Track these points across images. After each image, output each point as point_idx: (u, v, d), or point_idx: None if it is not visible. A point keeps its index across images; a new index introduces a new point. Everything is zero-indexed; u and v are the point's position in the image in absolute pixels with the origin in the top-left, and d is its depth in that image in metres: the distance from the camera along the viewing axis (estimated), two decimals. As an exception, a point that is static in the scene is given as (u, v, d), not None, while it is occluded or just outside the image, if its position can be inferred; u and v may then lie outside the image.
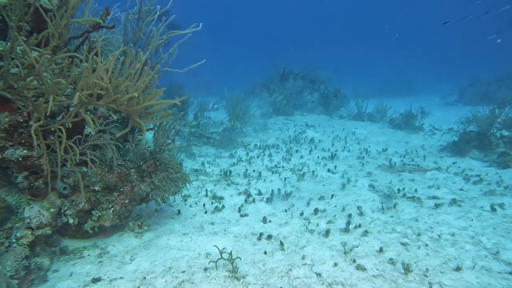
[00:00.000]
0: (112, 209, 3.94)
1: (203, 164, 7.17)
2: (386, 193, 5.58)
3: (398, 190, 5.71)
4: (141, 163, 4.27)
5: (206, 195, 5.56)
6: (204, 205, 5.18)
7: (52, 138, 3.18)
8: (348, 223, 4.45)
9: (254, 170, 6.91)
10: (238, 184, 6.14)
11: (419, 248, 3.87)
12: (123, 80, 2.98)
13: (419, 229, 4.34)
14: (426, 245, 3.93)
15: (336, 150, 8.61)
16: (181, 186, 4.37)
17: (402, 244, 3.97)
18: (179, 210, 4.91)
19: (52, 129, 3.17)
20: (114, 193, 4.01)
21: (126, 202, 4.06)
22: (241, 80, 20.37)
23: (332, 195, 5.54)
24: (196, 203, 5.27)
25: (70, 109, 3.19)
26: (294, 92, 15.26)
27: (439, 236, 4.15)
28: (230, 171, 6.66)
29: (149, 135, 4.57)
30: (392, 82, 24.43)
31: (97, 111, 4.04)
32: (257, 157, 7.96)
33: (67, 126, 3.47)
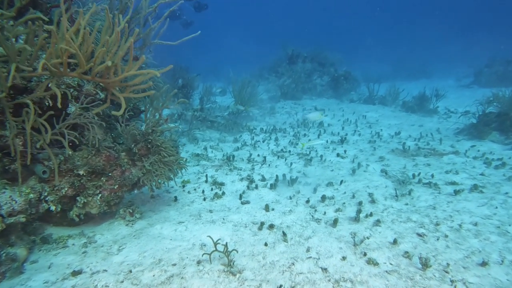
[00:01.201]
0: (100, 195, 3.58)
1: (205, 148, 6.77)
2: (399, 179, 5.08)
3: (413, 175, 5.20)
4: (132, 145, 3.88)
5: (206, 181, 5.17)
6: (203, 191, 4.80)
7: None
8: (359, 211, 4.01)
9: (258, 155, 6.48)
10: (241, 170, 5.73)
11: (438, 239, 3.41)
12: (100, 48, 2.54)
13: (437, 218, 3.86)
14: (446, 236, 3.46)
15: (346, 134, 8.08)
16: (176, 170, 3.97)
17: (419, 235, 3.52)
18: (175, 197, 4.54)
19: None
20: (102, 178, 3.64)
21: (116, 187, 3.69)
22: (250, 63, 19.72)
23: (341, 181, 5.08)
24: (195, 189, 4.89)
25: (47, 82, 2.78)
26: (303, 75, 14.63)
27: (460, 226, 3.67)
28: (233, 156, 6.24)
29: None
30: (404, 65, 23.38)
31: (83, 88, 3.64)
32: (263, 142, 7.51)
33: (47, 103, 3.09)
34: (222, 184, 5.09)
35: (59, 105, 2.34)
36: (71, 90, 3.48)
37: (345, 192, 4.74)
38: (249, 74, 16.61)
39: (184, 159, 4.06)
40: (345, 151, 6.63)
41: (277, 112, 11.11)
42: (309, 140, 7.34)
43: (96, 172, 3.60)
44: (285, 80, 14.25)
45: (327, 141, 7.39)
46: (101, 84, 3.77)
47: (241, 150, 6.88)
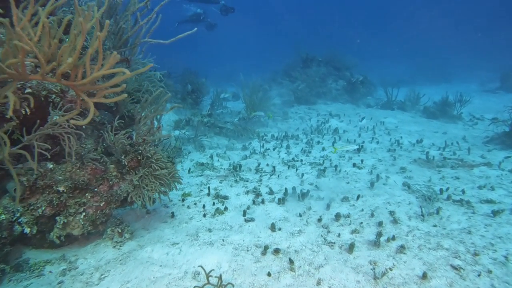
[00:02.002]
0: (84, 213, 3.15)
1: (211, 157, 6.30)
2: (425, 194, 4.44)
3: (441, 190, 4.55)
4: (122, 157, 3.43)
5: (209, 194, 4.68)
6: (204, 206, 4.31)
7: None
8: (379, 234, 3.41)
9: (267, 164, 5.95)
10: (247, 181, 5.21)
11: (479, 275, 2.78)
12: (70, 46, 2.10)
13: (475, 246, 3.22)
14: (490, 272, 2.82)
15: (363, 142, 7.45)
16: (170, 185, 3.49)
17: (454, 267, 2.90)
18: (173, 213, 4.06)
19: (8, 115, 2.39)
20: (87, 194, 3.21)
21: (102, 204, 3.25)
22: (263, 68, 19.26)
23: (358, 196, 4.48)
24: (195, 204, 4.41)
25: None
26: (317, 79, 14.02)
27: (506, 257, 3.02)
28: (240, 165, 5.74)
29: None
30: (422, 69, 22.34)
31: (67, 94, 3.23)
32: (273, 149, 6.98)
33: (24, 111, 2.69)
34: (225, 197, 4.59)
35: (10, 114, 1.90)
36: (53, 96, 3.08)
37: (362, 209, 4.15)
38: (262, 78, 16.19)
39: (177, 172, 3.57)
40: (362, 161, 6.01)
41: (290, 117, 10.56)
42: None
43: (80, 187, 3.17)
44: (299, 85, 13.69)
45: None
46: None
47: (249, 158, 6.37)
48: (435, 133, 8.31)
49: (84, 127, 3.54)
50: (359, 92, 13.79)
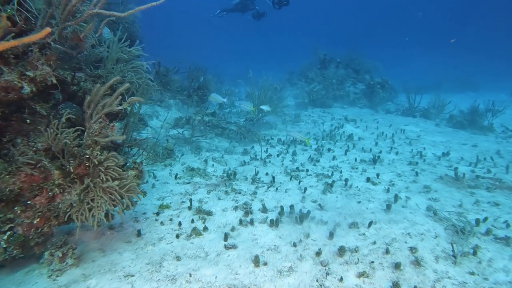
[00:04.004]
0: (8, 233, 2.38)
1: (206, 161, 5.46)
2: (456, 225, 3.43)
3: (477, 221, 3.51)
4: (71, 161, 2.64)
5: (190, 207, 3.84)
6: (180, 223, 3.47)
7: None
8: (396, 285, 2.46)
9: (267, 173, 5.05)
10: (240, 193, 4.34)
11: None
12: None
13: (534, 315, 2.22)
14: None
15: (380, 152, 6.41)
16: (124, 202, 2.67)
17: None
18: (139, 231, 3.24)
19: None
20: (16, 208, 2.44)
21: (36, 222, 2.48)
22: (280, 67, 18.29)
23: (371, 223, 3.51)
24: (171, 220, 3.58)
25: None
26: (335, 81, 12.95)
27: None
28: (235, 173, 4.87)
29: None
30: (447, 76, 20.67)
31: (0, 78, 2.47)
32: (277, 156, 6.06)
33: None
34: (208, 213, 3.73)
35: None
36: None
37: (374, 242, 3.19)
38: (277, 78, 15.27)
39: (136, 184, 2.73)
40: (377, 175, 5.01)
41: (302, 120, 9.59)
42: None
43: (7, 199, 2.40)
44: (315, 86, 12.67)
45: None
46: (27, 73, 2.60)
47: (248, 165, 5.49)
48: (463, 145, 7.14)
49: (35, 119, 2.80)
50: (379, 96, 12.63)
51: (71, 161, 2.63)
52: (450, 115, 9.87)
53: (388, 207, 3.88)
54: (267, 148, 6.44)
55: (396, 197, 4.12)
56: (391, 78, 13.77)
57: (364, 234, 3.35)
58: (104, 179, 2.48)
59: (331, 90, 12.70)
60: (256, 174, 4.95)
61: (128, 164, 3.17)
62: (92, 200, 2.52)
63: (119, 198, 2.54)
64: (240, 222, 3.53)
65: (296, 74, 14.94)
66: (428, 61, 26.56)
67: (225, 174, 4.90)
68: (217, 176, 4.91)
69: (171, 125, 7.33)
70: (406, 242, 3.16)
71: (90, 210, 2.53)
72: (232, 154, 6.05)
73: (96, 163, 2.47)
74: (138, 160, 4.18)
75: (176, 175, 4.77)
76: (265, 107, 6.65)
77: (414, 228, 3.46)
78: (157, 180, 4.67)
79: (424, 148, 6.72)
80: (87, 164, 2.59)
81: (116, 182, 2.53)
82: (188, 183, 4.62)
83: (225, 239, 3.20)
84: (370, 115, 10.82)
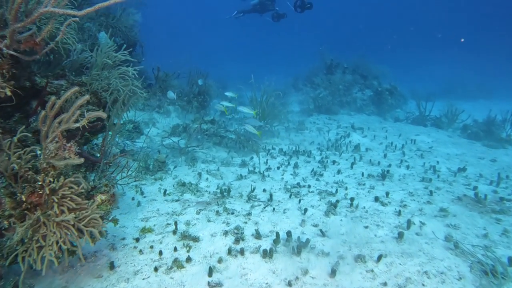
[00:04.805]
0: None
1: (200, 174, 4.99)
2: (483, 262, 2.88)
3: (510, 260, 2.95)
4: (23, 188, 2.18)
5: (175, 232, 3.36)
6: (161, 252, 2.99)
7: None
8: None
9: (264, 190, 4.55)
10: (232, 213, 3.84)
11: None
12: None
13: None
14: None
15: (390, 165, 5.85)
16: (81, 240, 2.19)
17: None
18: (112, 263, 2.77)
19: None
20: (-51, 245, 1.99)
21: (-26, 261, 2.02)
22: (286, 72, 17.78)
23: (380, 256, 2.98)
24: (151, 247, 3.10)
25: None
26: (342, 87, 12.40)
27: None
28: (229, 190, 4.38)
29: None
30: (458, 82, 19.84)
31: None
32: (278, 168, 5.56)
33: None
34: (195, 239, 3.25)
35: None
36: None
37: (385, 283, 2.65)
38: (280, 83, 14.79)
39: (100, 216, 2.25)
40: (387, 194, 4.46)
41: (307, 128, 9.06)
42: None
43: None
44: (320, 92, 12.14)
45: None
46: (4, 71, 2.17)
47: (244, 179, 5.00)
48: (481, 159, 6.53)
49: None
50: (387, 103, 12.04)
51: (24, 188, 2.17)
52: (463, 125, 9.24)
53: (400, 235, 3.34)
54: (267, 160, 5.93)
55: (409, 223, 3.58)
56: (400, 84, 13.15)
57: (372, 270, 2.83)
58: (58, 212, 2.01)
59: (337, 96, 12.16)
60: (253, 190, 4.46)
61: (99, 187, 2.71)
62: (44, 236, 2.05)
63: (76, 234, 2.07)
64: (229, 251, 3.03)
65: (302, 79, 14.43)
66: (437, 66, 25.78)
67: (218, 190, 4.42)
68: (210, 192, 4.42)
69: (168, 133, 6.89)
70: (423, 285, 2.63)
71: (41, 249, 2.06)
72: (229, 166, 5.56)
73: (48, 192, 2.01)
74: (122, 176, 3.73)
75: (165, 191, 4.30)
76: (244, 109, 5.83)
77: (432, 264, 2.92)
78: (144, 197, 4.21)
79: (438, 162, 6.14)
80: (40, 192, 2.13)
81: (73, 215, 2.06)
82: (177, 200, 4.15)
83: (210, 273, 2.71)
84: (378, 122, 10.24)
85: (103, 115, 2.12)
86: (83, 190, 2.21)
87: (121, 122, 6.44)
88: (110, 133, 3.32)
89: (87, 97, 2.07)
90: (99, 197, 2.59)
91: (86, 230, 2.12)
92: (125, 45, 4.49)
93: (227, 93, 6.35)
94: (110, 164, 3.35)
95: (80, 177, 2.36)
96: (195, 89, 8.50)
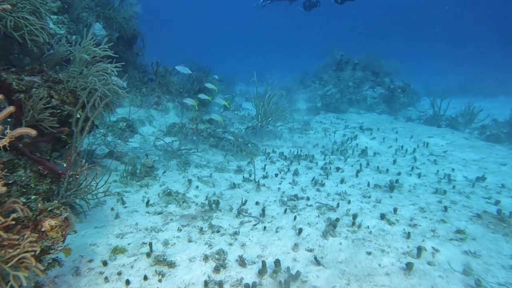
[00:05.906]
0: None
1: (190, 181, 4.54)
2: (509, 309, 2.33)
3: (541, 305, 2.39)
4: None
5: (149, 255, 2.92)
6: (128, 282, 2.56)
7: None
8: None
9: (257, 203, 4.06)
10: (218, 232, 3.38)
11: None
12: None
13: None
14: None
15: (399, 173, 5.27)
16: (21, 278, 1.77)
17: None
18: (66, 296, 2.36)
19: None
20: None
21: None
22: (296, 68, 17.08)
23: (384, 296, 2.46)
24: (119, 273, 2.67)
25: None
26: (352, 84, 11.73)
27: None
28: (218, 202, 3.91)
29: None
30: (476, 78, 18.62)
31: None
32: (276, 175, 5.06)
33: None
34: (170, 264, 2.80)
35: None
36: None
37: (389, 336, 2.15)
38: (290, 79, 14.18)
39: (31, 257, 1.82)
40: (395, 210, 3.91)
41: (312, 128, 8.50)
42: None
43: None
44: (329, 89, 11.50)
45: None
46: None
47: (238, 188, 4.52)
48: (502, 165, 5.85)
49: None
50: (399, 101, 11.33)
51: None
52: (482, 125, 8.49)
53: (409, 266, 2.81)
54: (265, 165, 5.43)
55: (420, 250, 3.04)
56: (413, 80, 12.33)
57: (373, 315, 2.32)
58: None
59: (346, 94, 11.50)
60: (244, 203, 3.98)
61: (50, 209, 2.27)
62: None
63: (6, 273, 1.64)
64: (206, 284, 2.57)
65: (310, 75, 13.77)
66: (453, 61, 24.51)
67: (207, 202, 3.96)
68: (197, 204, 3.97)
69: (163, 132, 6.46)
70: None
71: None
72: (223, 172, 5.09)
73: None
74: (99, 186, 3.29)
75: (148, 201, 3.87)
76: (220, 100, 5.88)
77: (447, 308, 2.39)
78: (125, 207, 3.79)
79: (453, 169, 5.51)
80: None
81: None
82: (159, 213, 3.71)
83: (178, 315, 2.26)
84: (388, 123, 9.57)
85: (32, 132, 1.66)
86: (27, 215, 1.77)
87: (114, 120, 6.05)
88: (77, 141, 2.89)
89: (11, 108, 1.61)
90: (48, 223, 2.16)
91: (12, 274, 1.69)
92: (115, 36, 4.05)
93: (207, 84, 5.90)
94: (77, 176, 2.92)
95: (19, 202, 1.93)
96: (196, 85, 8.02)
